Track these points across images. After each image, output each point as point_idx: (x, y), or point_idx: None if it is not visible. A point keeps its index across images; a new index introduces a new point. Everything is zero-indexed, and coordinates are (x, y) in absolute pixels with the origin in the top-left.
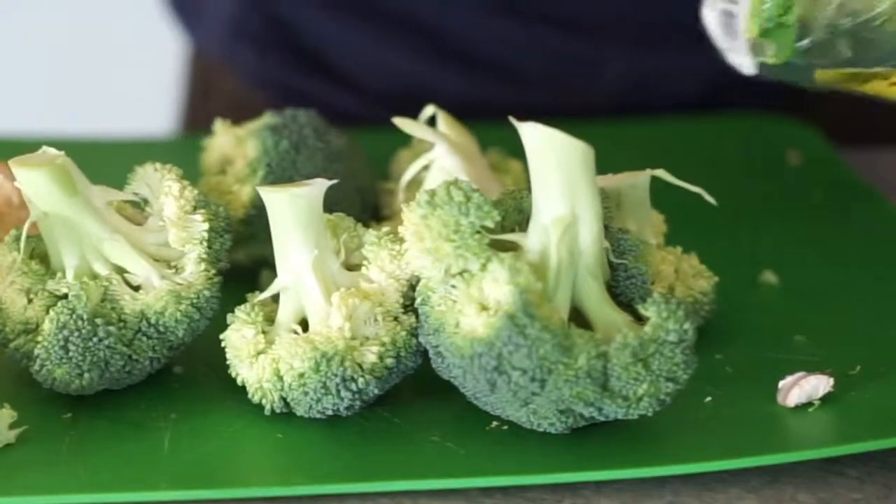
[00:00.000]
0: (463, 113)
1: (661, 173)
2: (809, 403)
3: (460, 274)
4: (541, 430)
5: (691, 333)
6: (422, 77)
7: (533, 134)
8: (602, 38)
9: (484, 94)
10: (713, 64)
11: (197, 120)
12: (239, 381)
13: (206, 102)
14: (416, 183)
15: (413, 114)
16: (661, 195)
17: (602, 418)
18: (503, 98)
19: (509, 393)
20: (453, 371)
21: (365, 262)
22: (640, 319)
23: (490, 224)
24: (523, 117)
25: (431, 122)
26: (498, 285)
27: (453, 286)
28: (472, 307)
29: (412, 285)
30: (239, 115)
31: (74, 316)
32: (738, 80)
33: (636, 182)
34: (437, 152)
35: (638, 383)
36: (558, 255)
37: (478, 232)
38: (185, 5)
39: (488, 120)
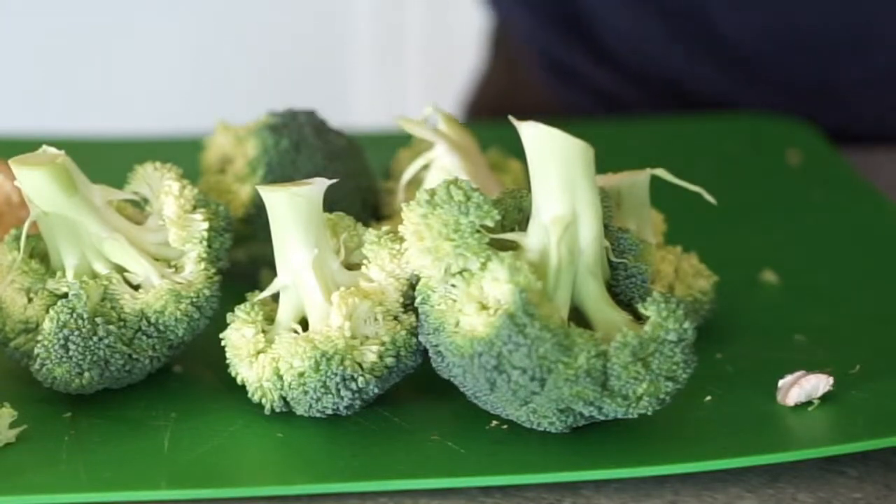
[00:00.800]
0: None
1: (662, 173)
2: (809, 402)
3: (460, 273)
4: (541, 429)
5: (691, 333)
6: (681, 67)
7: (533, 133)
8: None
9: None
10: None
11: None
12: (239, 381)
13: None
14: (416, 182)
15: (671, 102)
16: (661, 195)
17: (602, 417)
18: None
19: (509, 392)
20: (453, 370)
21: (365, 262)
22: (639, 319)
23: (490, 223)
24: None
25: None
26: (498, 284)
27: (453, 285)
28: (471, 306)
29: (412, 284)
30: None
31: (74, 315)
32: None
33: (636, 181)
34: (437, 151)
35: (638, 382)
36: (558, 254)
37: (477, 231)
38: None
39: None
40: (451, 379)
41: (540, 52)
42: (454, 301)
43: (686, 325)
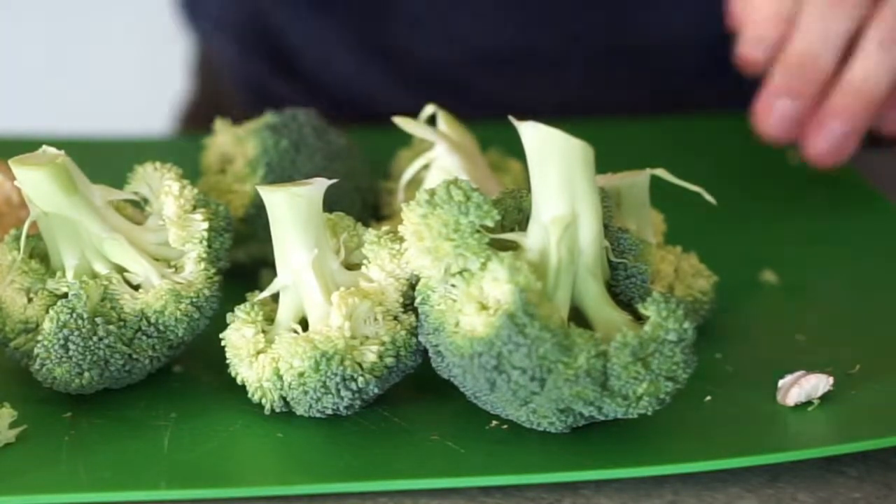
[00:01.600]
0: None
1: (662, 172)
2: (809, 402)
3: (460, 273)
4: (541, 429)
5: (691, 333)
6: (378, 91)
7: (532, 133)
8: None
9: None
10: None
11: (197, 119)
12: (239, 381)
13: (210, 102)
14: (415, 182)
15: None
16: (661, 195)
17: (602, 417)
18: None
19: (509, 392)
20: (453, 370)
21: (365, 262)
22: (639, 319)
23: (490, 223)
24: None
25: (431, 121)
26: (497, 284)
27: (453, 285)
28: (471, 306)
29: (412, 284)
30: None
31: (74, 315)
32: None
33: (636, 181)
34: (438, 152)
35: (638, 382)
36: (558, 254)
37: (477, 231)
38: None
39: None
40: (451, 379)
41: (242, 78)
42: (454, 301)
43: (686, 325)
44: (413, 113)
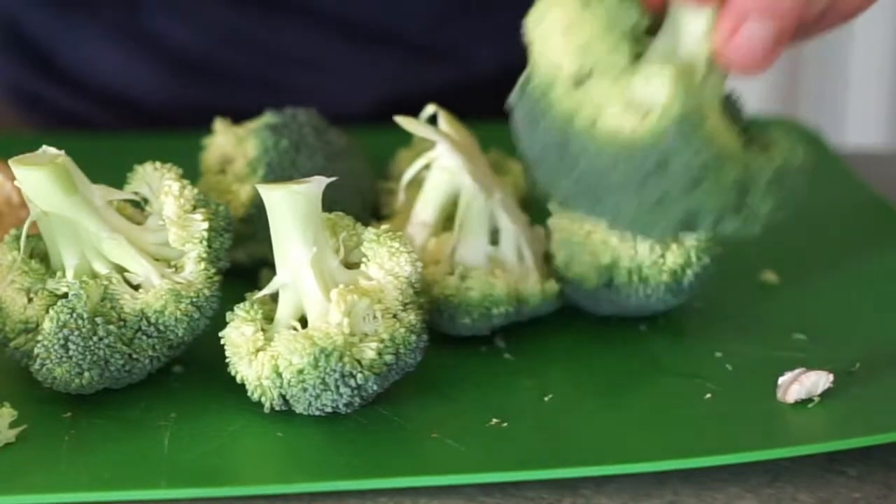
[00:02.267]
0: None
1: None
2: (809, 400)
3: (604, 72)
4: (640, 234)
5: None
6: (132, 79)
7: None
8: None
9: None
10: None
11: None
12: (238, 379)
13: None
14: (416, 182)
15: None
16: None
17: (710, 231)
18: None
19: (650, 196)
20: (576, 164)
21: (364, 260)
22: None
23: (642, 27)
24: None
25: (432, 121)
26: (657, 86)
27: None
28: (617, 106)
29: (411, 283)
30: None
31: (74, 315)
32: None
33: None
34: (439, 151)
35: (768, 202)
36: (706, 67)
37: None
38: None
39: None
40: (540, 162)
41: (4, 84)
42: (586, 99)
43: (804, 154)
44: (181, 102)
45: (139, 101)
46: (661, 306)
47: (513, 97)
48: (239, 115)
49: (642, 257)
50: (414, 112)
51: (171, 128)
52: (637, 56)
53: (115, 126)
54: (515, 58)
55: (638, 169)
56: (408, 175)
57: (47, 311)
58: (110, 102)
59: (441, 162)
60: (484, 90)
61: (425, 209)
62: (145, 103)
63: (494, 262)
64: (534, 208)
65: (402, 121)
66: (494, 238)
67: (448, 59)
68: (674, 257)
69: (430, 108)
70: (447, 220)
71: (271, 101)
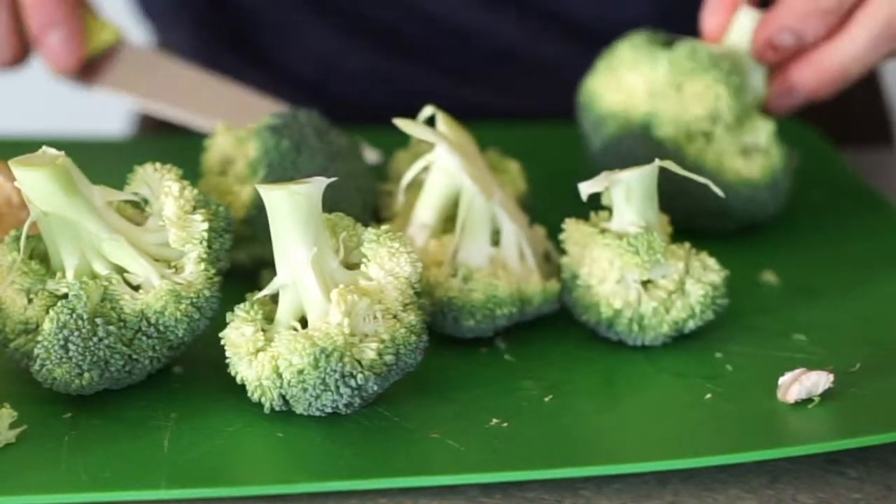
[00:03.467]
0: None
1: (669, 164)
2: (809, 399)
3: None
4: None
5: None
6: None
7: None
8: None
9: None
10: None
11: (154, 122)
12: (238, 380)
13: None
14: (416, 184)
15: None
16: (661, 197)
17: None
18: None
19: None
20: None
21: (364, 260)
22: None
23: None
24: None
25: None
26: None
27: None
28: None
29: (411, 283)
30: None
31: (74, 316)
32: None
33: (644, 172)
34: (437, 153)
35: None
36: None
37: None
38: None
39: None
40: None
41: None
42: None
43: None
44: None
45: (343, 89)
46: (658, 343)
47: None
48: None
49: (645, 311)
50: None
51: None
52: None
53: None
54: None
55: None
56: (407, 177)
57: (47, 312)
58: (315, 90)
59: (440, 163)
60: None
61: (425, 211)
62: (350, 93)
63: (496, 262)
64: (533, 208)
65: (401, 123)
66: (495, 239)
67: None
68: (677, 311)
69: (427, 110)
70: (447, 221)
71: (496, 97)
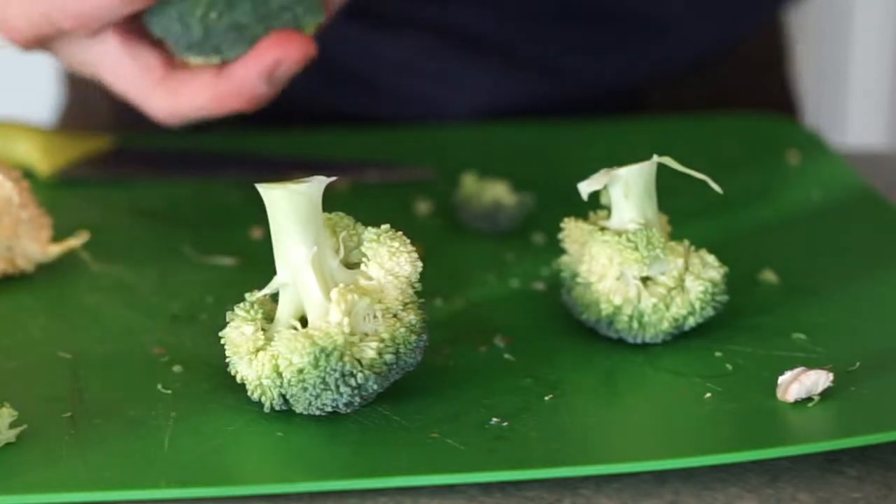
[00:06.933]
0: None
1: (667, 160)
2: (809, 398)
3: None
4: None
5: None
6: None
7: None
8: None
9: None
10: None
11: (68, 124)
12: (238, 379)
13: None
14: None
15: None
16: (662, 197)
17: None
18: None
19: None
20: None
21: (364, 260)
22: None
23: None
24: None
25: None
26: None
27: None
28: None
29: (411, 282)
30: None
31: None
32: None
33: (642, 169)
34: None
35: None
36: None
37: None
38: None
39: None
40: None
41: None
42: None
43: None
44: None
45: (456, 109)
46: (658, 341)
47: None
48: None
49: (644, 307)
50: None
51: None
52: None
53: None
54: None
55: None
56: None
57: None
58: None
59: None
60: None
61: None
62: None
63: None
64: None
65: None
66: None
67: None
68: (677, 308)
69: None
70: None
71: None
